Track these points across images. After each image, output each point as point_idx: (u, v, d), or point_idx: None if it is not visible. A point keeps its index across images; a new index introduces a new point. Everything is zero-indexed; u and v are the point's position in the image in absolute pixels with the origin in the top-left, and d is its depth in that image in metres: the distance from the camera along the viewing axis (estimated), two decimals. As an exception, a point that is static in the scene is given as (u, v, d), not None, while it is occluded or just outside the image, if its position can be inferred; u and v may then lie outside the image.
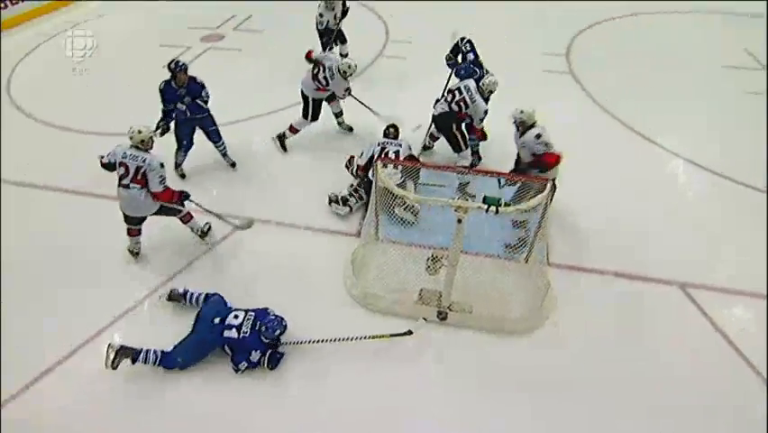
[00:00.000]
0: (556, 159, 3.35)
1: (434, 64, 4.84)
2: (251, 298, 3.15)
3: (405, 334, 2.91)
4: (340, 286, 3.36)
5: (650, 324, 3.16)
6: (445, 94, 4.18)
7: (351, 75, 4.30)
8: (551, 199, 2.74)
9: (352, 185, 4.03)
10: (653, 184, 4.36)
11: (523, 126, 3.47)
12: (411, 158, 3.91)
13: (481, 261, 3.37)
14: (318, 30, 5.71)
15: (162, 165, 3.20)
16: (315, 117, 4.59)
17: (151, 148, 3.24)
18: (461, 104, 3.99)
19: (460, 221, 2.60)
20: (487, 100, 4.01)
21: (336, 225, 3.90)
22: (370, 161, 3.76)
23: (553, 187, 2.64)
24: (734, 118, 5.25)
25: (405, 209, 3.62)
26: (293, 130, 4.64)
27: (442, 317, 3.10)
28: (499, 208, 2.49)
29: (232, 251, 3.70)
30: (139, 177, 3.16)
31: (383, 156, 3.77)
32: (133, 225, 3.44)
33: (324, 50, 5.48)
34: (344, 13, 5.57)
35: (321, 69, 4.31)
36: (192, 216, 3.59)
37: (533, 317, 3.10)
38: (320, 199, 4.07)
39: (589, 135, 4.79)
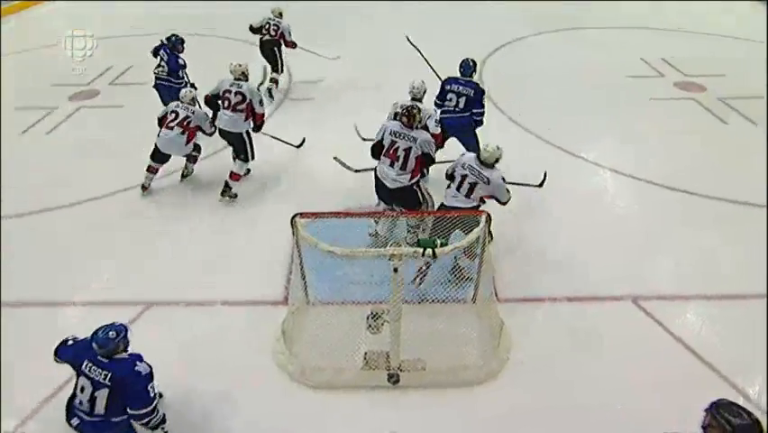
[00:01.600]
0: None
1: (345, 103, 5.06)
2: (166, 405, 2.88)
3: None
4: (271, 364, 3.20)
5: (610, 342, 3.36)
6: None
7: (243, 75, 4.59)
8: (489, 232, 2.88)
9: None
10: (584, 198, 4.79)
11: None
12: (425, 159, 3.70)
13: (427, 308, 3.41)
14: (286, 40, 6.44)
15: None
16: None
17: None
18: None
19: (396, 270, 2.63)
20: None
21: (257, 293, 3.76)
22: (380, 147, 3.73)
23: (489, 218, 2.79)
24: (645, 124, 5.99)
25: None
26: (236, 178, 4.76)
27: (393, 380, 3.05)
28: (436, 250, 2.56)
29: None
30: (184, 122, 4.53)
31: (392, 152, 3.66)
32: (158, 162, 4.73)
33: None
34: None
35: (228, 93, 4.54)
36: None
37: (492, 360, 3.16)
38: (230, 265, 3.99)
39: (513, 155, 5.14)
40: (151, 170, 4.77)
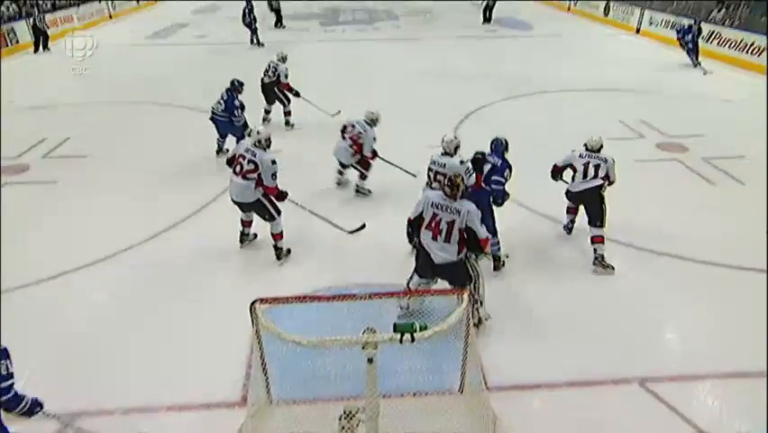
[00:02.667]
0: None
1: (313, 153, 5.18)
2: None
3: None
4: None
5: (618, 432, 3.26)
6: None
7: (266, 141, 4.76)
8: (472, 312, 2.87)
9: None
10: (575, 267, 4.87)
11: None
12: (468, 233, 3.64)
13: (409, 403, 3.27)
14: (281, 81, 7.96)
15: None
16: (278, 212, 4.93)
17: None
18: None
19: (371, 360, 2.55)
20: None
21: (210, 394, 3.54)
22: (418, 220, 3.77)
23: (471, 297, 2.79)
24: (632, 187, 6.27)
25: None
26: (279, 236, 4.97)
27: (372, 492, 2.84)
28: (415, 335, 2.51)
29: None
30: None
31: (434, 225, 3.67)
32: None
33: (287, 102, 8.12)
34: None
35: (240, 159, 4.68)
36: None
37: (487, 464, 3.01)
38: (177, 359, 3.79)
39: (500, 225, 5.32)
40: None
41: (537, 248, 5.15)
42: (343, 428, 3.08)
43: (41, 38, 13.85)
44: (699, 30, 11.51)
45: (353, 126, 5.83)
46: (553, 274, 4.80)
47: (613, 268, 4.76)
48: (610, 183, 4.86)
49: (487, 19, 17.76)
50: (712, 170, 6.76)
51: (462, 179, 3.71)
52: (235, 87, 6.81)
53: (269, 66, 7.93)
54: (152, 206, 5.96)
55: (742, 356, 3.82)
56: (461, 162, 4.52)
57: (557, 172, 5.15)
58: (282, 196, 4.78)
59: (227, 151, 6.83)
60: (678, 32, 12.12)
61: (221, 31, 16.73)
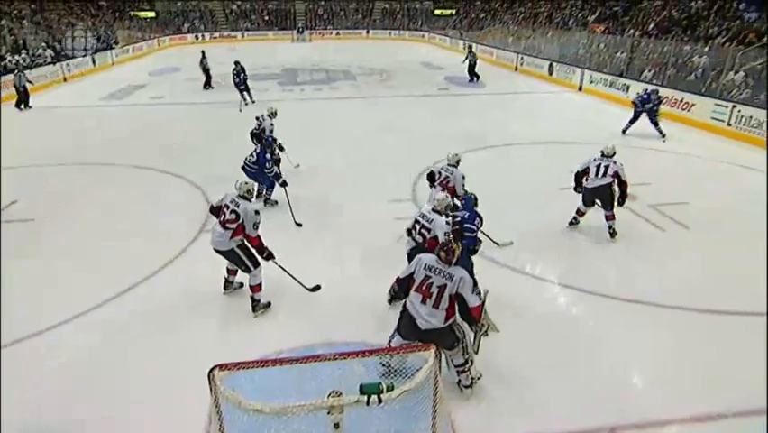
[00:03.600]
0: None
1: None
2: None
3: None
4: None
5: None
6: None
7: (249, 193, 4.91)
8: (440, 367, 2.81)
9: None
10: (538, 318, 4.89)
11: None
12: (460, 299, 3.59)
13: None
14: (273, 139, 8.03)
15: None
16: (256, 263, 4.92)
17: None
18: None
19: (337, 426, 2.43)
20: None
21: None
22: (407, 280, 3.70)
23: (438, 354, 2.74)
24: (588, 237, 6.49)
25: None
26: (257, 288, 4.90)
27: None
28: (382, 396, 2.43)
29: None
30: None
31: (424, 288, 3.58)
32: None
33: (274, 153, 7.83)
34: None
35: (225, 209, 4.76)
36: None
37: None
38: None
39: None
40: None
41: (502, 303, 5.14)
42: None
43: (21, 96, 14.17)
44: (659, 99, 10.97)
45: (440, 173, 5.96)
46: (518, 329, 4.77)
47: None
48: (621, 183, 6.12)
49: (472, 77, 18.51)
50: (659, 216, 7.08)
51: (459, 246, 3.69)
52: (269, 144, 7.36)
53: (258, 119, 8.36)
54: (110, 264, 5.77)
55: (703, 398, 3.87)
56: (447, 223, 4.57)
57: (579, 177, 6.35)
58: (262, 250, 4.78)
59: (267, 195, 7.33)
60: (636, 99, 11.21)
61: (178, 92, 16.82)
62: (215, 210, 4.86)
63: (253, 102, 14.56)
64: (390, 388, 2.48)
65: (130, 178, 8.82)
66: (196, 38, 35.27)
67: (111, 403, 3.85)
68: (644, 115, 10.91)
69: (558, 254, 6.12)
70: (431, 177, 6.02)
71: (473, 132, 11.51)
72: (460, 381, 3.84)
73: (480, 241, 4.80)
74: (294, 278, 5.06)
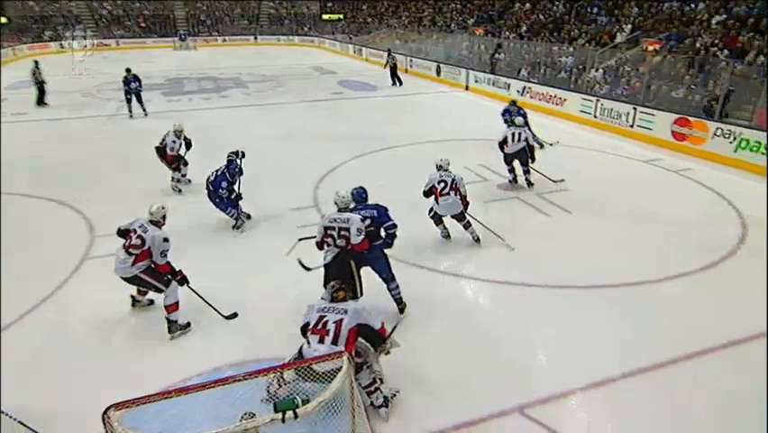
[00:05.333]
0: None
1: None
2: None
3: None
4: None
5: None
6: None
7: (164, 218, 4.70)
8: (353, 374, 2.80)
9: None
10: (439, 309, 5.08)
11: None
12: (362, 329, 3.57)
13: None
14: (169, 156, 8.08)
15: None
16: (167, 282, 4.65)
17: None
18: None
19: (253, 449, 2.33)
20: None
21: None
22: (305, 330, 3.62)
23: (350, 359, 2.72)
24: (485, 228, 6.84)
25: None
26: (172, 308, 4.62)
27: None
28: (297, 411, 2.36)
29: None
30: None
31: (320, 327, 3.50)
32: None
33: (172, 170, 8.21)
34: (188, 145, 8.40)
35: (131, 234, 4.56)
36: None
37: None
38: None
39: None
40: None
41: (411, 301, 5.25)
42: None
43: None
44: (523, 114, 10.04)
45: (444, 182, 6.06)
46: (422, 319, 4.92)
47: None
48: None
49: (394, 81, 18.68)
50: (545, 203, 7.66)
51: (345, 290, 3.74)
52: (228, 166, 6.83)
53: (164, 135, 8.16)
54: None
55: (594, 366, 4.23)
56: (362, 220, 4.56)
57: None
58: (174, 275, 4.63)
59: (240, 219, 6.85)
60: (505, 114, 10.37)
61: (44, 107, 15.18)
62: (123, 233, 4.67)
63: (145, 114, 13.59)
64: (306, 401, 2.42)
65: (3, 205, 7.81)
66: (61, 46, 31.83)
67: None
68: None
69: (460, 249, 6.37)
70: (442, 186, 6.05)
71: (371, 134, 11.68)
72: (372, 402, 3.70)
73: (396, 236, 4.84)
74: (209, 304, 4.81)
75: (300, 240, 5.14)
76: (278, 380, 3.51)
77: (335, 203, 4.64)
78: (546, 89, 14.10)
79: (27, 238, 6.72)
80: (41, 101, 15.31)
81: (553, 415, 3.74)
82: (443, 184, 6.02)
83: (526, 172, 8.15)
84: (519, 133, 7.86)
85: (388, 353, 3.78)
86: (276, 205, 7.51)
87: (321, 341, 3.48)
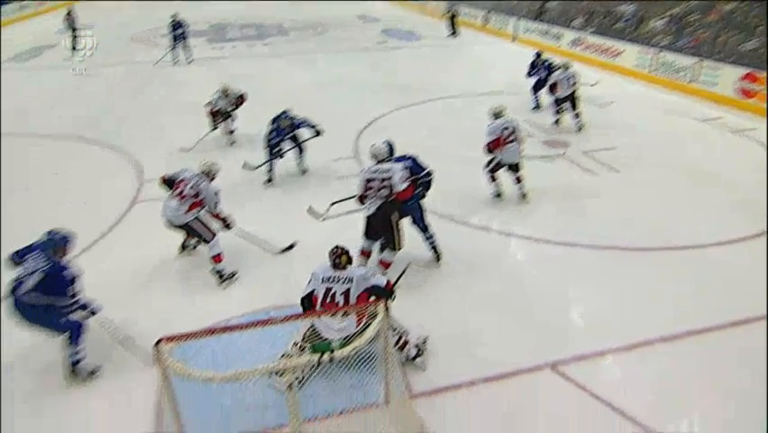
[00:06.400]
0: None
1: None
2: None
3: None
4: None
5: (539, 421, 3.42)
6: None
7: (214, 175, 4.91)
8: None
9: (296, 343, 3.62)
10: (478, 264, 5.08)
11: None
12: (374, 291, 3.60)
13: (335, 422, 3.20)
14: (211, 111, 7.96)
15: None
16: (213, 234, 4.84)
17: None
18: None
19: (291, 387, 2.46)
20: None
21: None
22: (309, 299, 3.66)
23: (387, 309, 2.79)
24: (528, 183, 6.69)
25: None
26: (217, 259, 4.79)
27: None
28: (334, 354, 2.46)
29: None
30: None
31: (327, 301, 3.55)
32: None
33: (213, 128, 8.02)
34: (241, 99, 8.07)
35: (183, 183, 4.72)
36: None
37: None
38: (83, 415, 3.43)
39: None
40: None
41: (448, 254, 5.27)
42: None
43: None
44: (548, 66, 9.36)
45: (511, 126, 6.00)
46: (462, 273, 4.97)
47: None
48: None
49: (453, 32, 17.96)
50: (592, 162, 7.41)
51: (347, 253, 3.70)
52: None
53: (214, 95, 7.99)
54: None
55: (633, 329, 4.18)
56: (404, 168, 4.57)
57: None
58: (226, 223, 4.90)
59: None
60: (532, 70, 9.71)
61: (100, 51, 15.51)
62: (169, 182, 4.81)
63: (190, 61, 13.75)
64: (342, 346, 2.52)
65: (52, 149, 8.21)
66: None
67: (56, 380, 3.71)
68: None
69: (504, 205, 6.27)
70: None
71: (413, 85, 11.46)
72: (407, 357, 3.76)
73: (431, 184, 4.87)
74: (260, 243, 4.99)
75: (333, 203, 5.17)
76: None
77: (373, 155, 4.64)
78: (601, 40, 13.31)
79: (79, 181, 7.06)
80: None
81: (586, 373, 3.75)
82: (508, 130, 5.91)
83: (577, 116, 8.42)
84: (570, 77, 8.22)
85: (393, 299, 3.76)
86: (316, 157, 7.53)
87: (333, 315, 3.52)
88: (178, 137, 8.20)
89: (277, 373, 2.47)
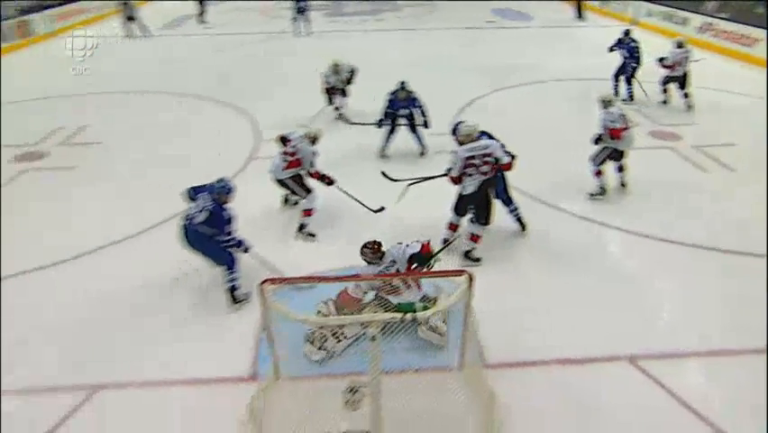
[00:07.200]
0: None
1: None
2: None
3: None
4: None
5: (610, 410, 3.28)
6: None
7: (317, 139, 5.11)
8: (471, 292, 2.87)
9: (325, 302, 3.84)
10: (572, 253, 4.85)
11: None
12: (412, 260, 3.69)
13: (411, 379, 3.29)
14: (325, 88, 7.85)
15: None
16: (309, 190, 5.13)
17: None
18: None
19: (374, 338, 2.56)
20: None
21: (217, 370, 3.59)
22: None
23: (470, 278, 2.79)
24: (628, 175, 6.21)
25: (429, 329, 3.54)
26: (307, 212, 5.10)
27: (375, 464, 2.88)
28: (417, 315, 2.52)
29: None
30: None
31: (387, 287, 3.65)
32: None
33: (329, 103, 7.95)
34: (352, 74, 7.86)
35: (288, 143, 5.04)
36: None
37: (484, 438, 3.03)
38: (189, 335, 3.88)
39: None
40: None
41: (534, 232, 5.14)
42: (348, 402, 3.13)
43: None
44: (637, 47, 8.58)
45: (624, 114, 5.63)
46: (547, 255, 4.82)
47: None
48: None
49: (580, 15, 16.75)
50: (703, 158, 6.71)
51: (378, 243, 3.80)
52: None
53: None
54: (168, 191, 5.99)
55: (729, 336, 3.83)
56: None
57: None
58: (323, 179, 5.08)
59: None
60: (619, 46, 8.89)
61: (232, 22, 16.57)
62: (283, 140, 5.09)
63: (309, 34, 14.20)
64: (425, 308, 2.58)
65: (189, 106, 8.98)
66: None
67: (171, 313, 4.16)
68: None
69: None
70: None
71: (516, 66, 10.97)
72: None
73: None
74: (357, 200, 5.15)
75: (409, 185, 5.07)
76: (338, 334, 3.62)
77: (466, 134, 4.48)
78: (736, 27, 11.72)
79: (210, 135, 7.68)
80: (201, 15, 16.53)
81: (668, 372, 3.51)
82: (624, 117, 5.48)
83: (686, 95, 8.06)
84: (687, 56, 7.83)
85: (431, 265, 3.77)
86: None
87: (395, 294, 3.65)
88: (292, 102, 8.57)
89: (362, 325, 2.58)
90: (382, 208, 5.18)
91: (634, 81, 8.66)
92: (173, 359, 3.67)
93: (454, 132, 4.76)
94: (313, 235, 5.11)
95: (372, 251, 3.75)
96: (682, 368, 3.63)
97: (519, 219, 5.04)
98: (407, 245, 3.73)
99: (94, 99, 9.38)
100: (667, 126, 7.71)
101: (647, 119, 7.99)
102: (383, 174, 5.18)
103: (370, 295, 3.74)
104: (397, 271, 3.68)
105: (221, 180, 4.10)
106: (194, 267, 4.43)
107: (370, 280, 3.65)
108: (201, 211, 3.97)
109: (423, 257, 3.68)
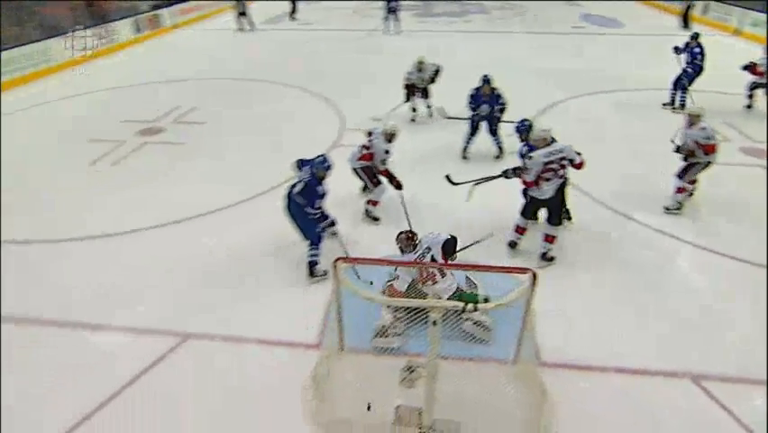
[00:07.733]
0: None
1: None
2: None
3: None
4: (299, 413, 3.18)
5: (666, 426, 3.13)
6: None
7: (393, 137, 5.18)
8: (533, 290, 2.83)
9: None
10: (643, 265, 4.61)
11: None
12: (444, 248, 3.76)
13: (465, 366, 3.32)
14: (406, 85, 7.71)
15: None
16: (377, 183, 5.26)
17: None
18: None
19: (435, 323, 2.61)
20: None
21: (289, 334, 3.81)
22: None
23: (534, 276, 2.75)
24: (714, 192, 5.68)
25: (476, 324, 3.56)
26: (373, 203, 5.27)
27: (424, 441, 2.94)
28: (478, 305, 2.54)
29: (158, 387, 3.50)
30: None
31: (425, 275, 3.70)
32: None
33: (406, 100, 7.79)
34: (436, 73, 7.62)
35: (368, 137, 5.22)
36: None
37: None
38: (270, 301, 4.15)
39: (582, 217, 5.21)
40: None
41: (602, 238, 4.92)
42: (404, 379, 3.21)
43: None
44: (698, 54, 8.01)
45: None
46: (616, 264, 4.62)
47: None
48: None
49: (686, 24, 15.10)
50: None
51: (413, 233, 4.02)
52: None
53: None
54: (261, 168, 6.42)
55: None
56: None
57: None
58: (392, 179, 5.20)
59: None
60: (685, 49, 8.12)
61: (327, 20, 17.05)
62: (369, 134, 5.26)
63: (398, 32, 14.35)
64: (486, 300, 2.58)
65: (283, 96, 9.43)
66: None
67: (255, 280, 4.46)
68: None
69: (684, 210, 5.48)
70: None
71: (600, 73, 10.40)
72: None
73: None
74: (406, 213, 4.82)
75: (476, 184, 4.90)
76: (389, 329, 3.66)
77: (542, 138, 4.39)
78: None
79: (294, 124, 8.04)
80: (293, 13, 17.19)
81: (733, 396, 3.28)
82: (714, 132, 5.06)
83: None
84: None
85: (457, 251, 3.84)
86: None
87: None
88: (377, 98, 8.69)
89: (423, 310, 2.64)
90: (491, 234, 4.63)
91: (689, 91, 7.98)
92: (254, 319, 3.97)
93: (518, 130, 4.69)
94: (377, 219, 5.24)
95: (407, 238, 3.93)
96: (751, 394, 3.36)
97: (567, 211, 4.87)
98: (439, 234, 3.82)
99: (207, 84, 10.12)
100: (760, 143, 7.01)
101: (741, 134, 7.30)
102: (447, 178, 5.08)
103: (403, 285, 3.69)
104: (432, 257, 3.71)
105: (321, 156, 4.33)
106: (291, 241, 4.65)
107: (434, 267, 3.69)
108: (300, 182, 4.26)
109: (449, 246, 3.75)
